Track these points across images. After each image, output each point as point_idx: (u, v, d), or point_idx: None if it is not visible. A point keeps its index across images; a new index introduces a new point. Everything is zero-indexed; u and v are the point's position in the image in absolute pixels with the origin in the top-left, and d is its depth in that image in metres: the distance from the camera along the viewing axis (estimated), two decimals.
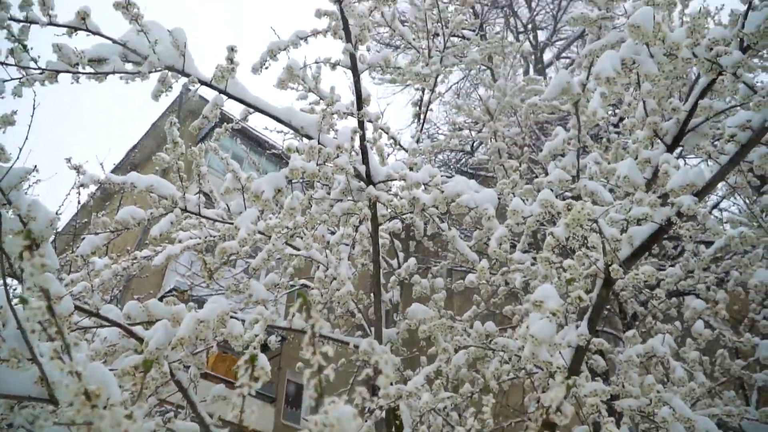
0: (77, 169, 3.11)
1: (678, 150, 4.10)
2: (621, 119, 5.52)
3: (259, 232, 3.95)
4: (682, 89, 4.46)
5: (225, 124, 3.45)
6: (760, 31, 2.58)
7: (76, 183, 3.24)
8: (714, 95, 3.47)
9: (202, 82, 2.97)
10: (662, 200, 2.92)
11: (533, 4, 12.68)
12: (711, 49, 2.54)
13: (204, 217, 3.33)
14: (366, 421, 3.11)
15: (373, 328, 4.05)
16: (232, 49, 2.92)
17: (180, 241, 3.38)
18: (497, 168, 5.56)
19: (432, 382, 3.21)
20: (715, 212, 7.95)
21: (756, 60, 4.01)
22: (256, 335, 2.48)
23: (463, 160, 12.53)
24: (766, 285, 3.66)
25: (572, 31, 12.26)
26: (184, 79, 2.95)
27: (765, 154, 2.98)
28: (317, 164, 3.15)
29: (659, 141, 3.48)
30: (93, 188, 3.41)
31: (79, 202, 4.68)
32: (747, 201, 4.83)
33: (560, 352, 2.33)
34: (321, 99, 5.07)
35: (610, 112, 7.36)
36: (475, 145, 11.29)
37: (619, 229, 2.87)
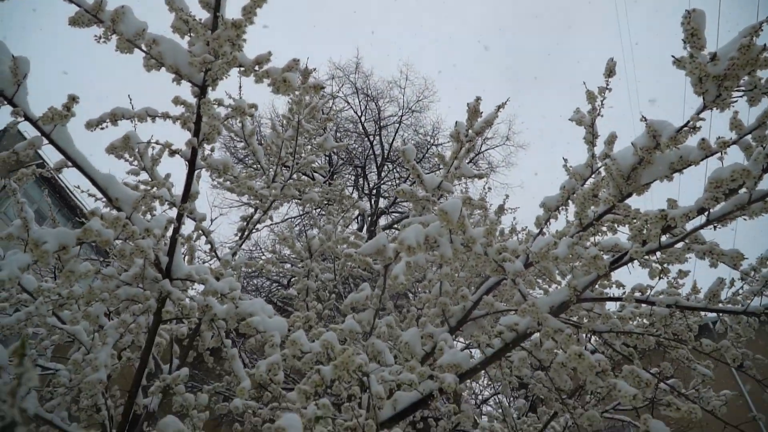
0: None
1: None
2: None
3: (25, 291, 3.57)
4: (476, 281, 4.97)
5: (34, 167, 3.20)
6: (541, 252, 3.03)
7: None
8: (498, 296, 3.92)
9: (28, 118, 2.80)
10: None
11: (382, 174, 13.79)
12: (500, 253, 2.92)
13: None
14: None
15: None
16: (73, 99, 2.82)
17: None
18: (301, 306, 5.62)
19: None
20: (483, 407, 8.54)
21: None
22: None
23: (278, 291, 12.50)
24: None
25: (408, 208, 13.41)
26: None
27: (523, 358, 3.36)
28: (118, 238, 2.99)
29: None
30: None
31: None
32: (507, 399, 5.29)
33: None
34: (152, 180, 4.94)
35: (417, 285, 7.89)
36: (292, 280, 11.41)
37: (387, 391, 3.00)
